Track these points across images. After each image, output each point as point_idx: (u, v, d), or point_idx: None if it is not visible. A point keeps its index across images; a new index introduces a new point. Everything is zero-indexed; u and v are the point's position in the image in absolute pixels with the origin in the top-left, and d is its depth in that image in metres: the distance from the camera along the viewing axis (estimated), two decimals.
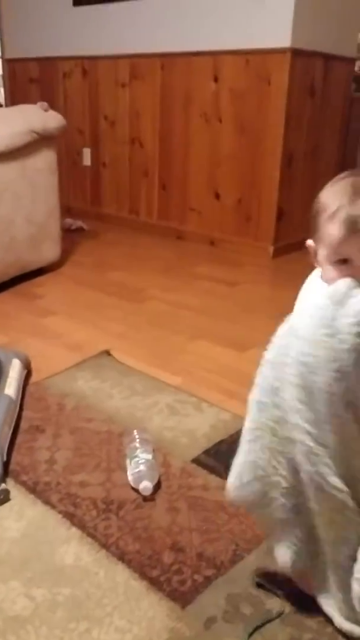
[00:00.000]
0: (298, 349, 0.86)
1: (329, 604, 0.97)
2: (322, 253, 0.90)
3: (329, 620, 0.97)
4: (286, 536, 0.96)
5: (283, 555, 0.97)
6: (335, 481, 0.87)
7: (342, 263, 0.87)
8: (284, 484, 0.93)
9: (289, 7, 2.80)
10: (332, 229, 0.87)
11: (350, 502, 0.88)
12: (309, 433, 0.86)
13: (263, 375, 0.92)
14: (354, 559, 0.91)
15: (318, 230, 0.90)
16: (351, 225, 0.85)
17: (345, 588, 0.93)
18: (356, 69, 3.66)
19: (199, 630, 0.97)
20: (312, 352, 0.84)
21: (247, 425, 0.95)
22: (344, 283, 0.84)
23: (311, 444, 0.87)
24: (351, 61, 3.36)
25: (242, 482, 0.96)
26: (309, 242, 0.95)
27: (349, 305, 0.83)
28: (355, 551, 0.91)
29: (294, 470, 0.91)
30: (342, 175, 0.93)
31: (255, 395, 0.93)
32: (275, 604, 1.01)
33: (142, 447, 1.37)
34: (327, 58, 3.11)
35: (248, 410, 0.94)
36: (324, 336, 0.83)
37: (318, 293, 0.87)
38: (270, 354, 0.92)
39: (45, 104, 2.72)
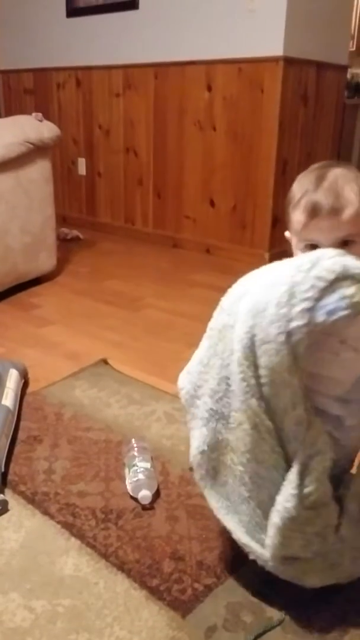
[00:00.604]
0: (270, 269, 0.91)
1: (229, 518, 1.01)
2: (294, 241, 0.96)
3: (330, 626, 0.97)
4: (202, 428, 1.00)
5: (195, 441, 1.02)
6: (254, 403, 0.89)
7: (312, 249, 0.92)
8: (212, 384, 0.96)
9: (280, 16, 2.82)
10: (296, 216, 0.95)
11: (267, 423, 0.90)
12: (242, 346, 0.88)
13: (238, 284, 0.96)
14: (261, 477, 0.93)
15: (289, 220, 0.97)
16: (312, 210, 0.92)
17: (249, 503, 0.97)
18: (348, 76, 3.69)
19: (199, 639, 0.96)
20: (275, 276, 0.87)
21: (208, 325, 1.00)
22: (332, 251, 0.87)
23: (241, 356, 0.88)
24: (343, 69, 3.38)
25: (189, 371, 1.03)
26: (287, 234, 1.01)
27: (323, 265, 0.84)
28: (264, 471, 0.93)
29: (224, 378, 0.94)
30: (312, 166, 1.00)
31: (222, 300, 0.97)
32: (275, 611, 1.01)
33: (141, 455, 1.37)
34: (320, 66, 3.14)
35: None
36: (295, 269, 0.85)
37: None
38: (257, 270, 0.95)
39: (39, 114, 2.73)
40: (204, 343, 1.00)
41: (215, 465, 1.00)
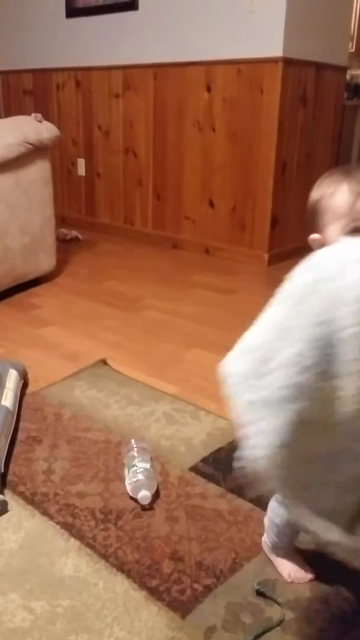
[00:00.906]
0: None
1: (313, 518, 0.82)
2: (336, 229, 0.92)
3: (330, 626, 0.97)
4: (278, 415, 0.76)
5: (261, 437, 0.78)
6: None
7: (357, 232, 0.89)
8: (295, 349, 0.75)
9: (280, 17, 2.82)
10: (339, 200, 0.91)
11: None
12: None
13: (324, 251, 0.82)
14: (355, 452, 0.78)
15: (323, 215, 0.94)
16: (356, 192, 0.90)
17: (333, 488, 0.80)
18: (347, 77, 3.69)
19: (199, 639, 0.96)
20: None
21: (281, 290, 0.81)
22: None
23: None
24: (342, 70, 3.39)
25: (250, 349, 0.81)
26: (314, 236, 0.97)
27: None
28: (358, 445, 0.77)
29: (317, 339, 0.74)
30: (326, 174, 0.99)
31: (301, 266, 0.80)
32: (275, 612, 1.01)
33: (140, 456, 1.37)
34: (319, 67, 3.14)
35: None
36: None
37: None
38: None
39: (39, 115, 2.73)
40: (277, 307, 0.80)
41: (291, 458, 0.78)
